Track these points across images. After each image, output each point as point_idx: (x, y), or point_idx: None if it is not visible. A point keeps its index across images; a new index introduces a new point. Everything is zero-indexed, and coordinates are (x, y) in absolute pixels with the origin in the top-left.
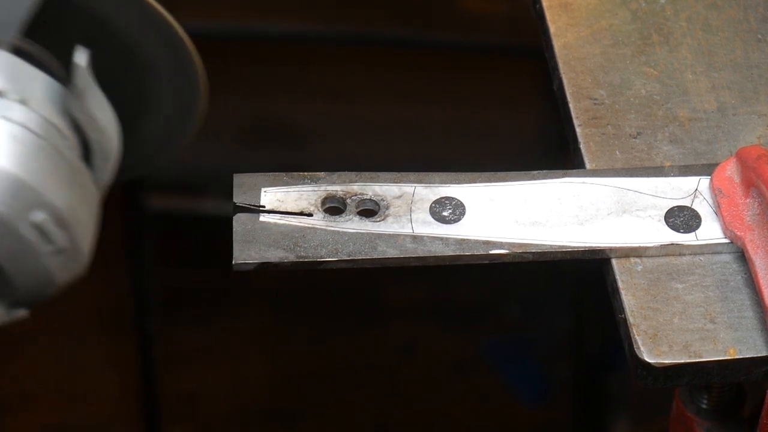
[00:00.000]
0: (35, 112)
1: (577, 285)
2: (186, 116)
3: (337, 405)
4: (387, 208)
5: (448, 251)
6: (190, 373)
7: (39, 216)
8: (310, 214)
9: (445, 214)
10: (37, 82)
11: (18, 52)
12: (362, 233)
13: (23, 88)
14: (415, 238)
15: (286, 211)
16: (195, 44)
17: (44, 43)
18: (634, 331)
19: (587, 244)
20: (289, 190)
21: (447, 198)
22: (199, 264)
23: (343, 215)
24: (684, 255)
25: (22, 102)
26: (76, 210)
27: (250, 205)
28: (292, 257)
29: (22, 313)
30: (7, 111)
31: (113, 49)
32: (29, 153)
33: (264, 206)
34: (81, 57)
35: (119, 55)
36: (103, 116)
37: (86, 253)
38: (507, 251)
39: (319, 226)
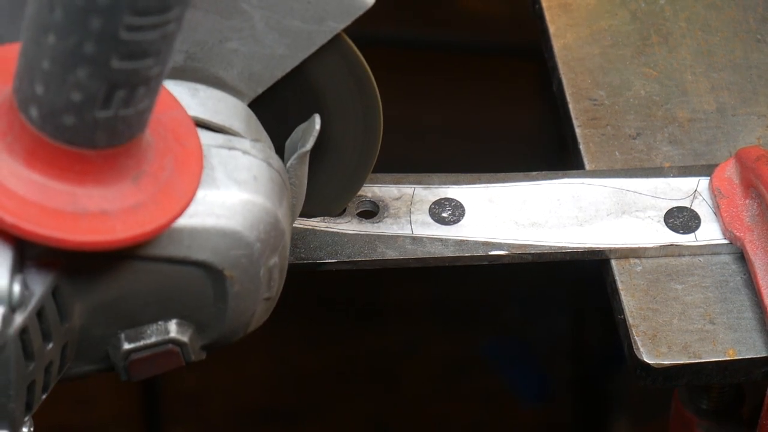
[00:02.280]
0: (280, 163)
1: (577, 285)
2: (363, 163)
3: (337, 405)
4: (386, 209)
5: (448, 252)
6: (190, 373)
7: (274, 260)
8: (310, 216)
9: (444, 215)
10: (266, 137)
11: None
12: (362, 234)
13: (267, 140)
14: (415, 240)
15: None
16: None
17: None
18: (634, 332)
19: (587, 245)
20: None
21: (446, 199)
22: None
23: (343, 216)
24: (683, 256)
25: (272, 150)
26: (287, 263)
27: None
28: (291, 258)
29: (202, 355)
30: (269, 157)
31: (309, 102)
32: (283, 198)
33: None
34: (317, 123)
35: (310, 103)
36: (305, 182)
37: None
38: (506, 252)
39: (318, 228)
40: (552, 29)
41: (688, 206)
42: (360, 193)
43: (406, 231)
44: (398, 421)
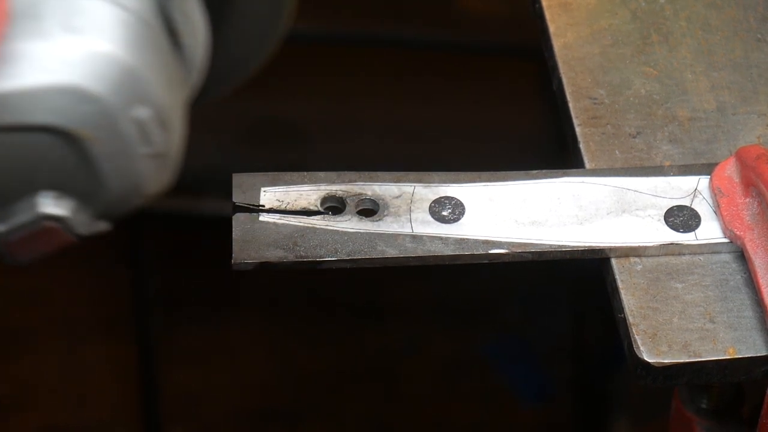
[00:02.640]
0: (144, 2)
1: (577, 284)
2: (271, 23)
3: (337, 405)
4: (386, 207)
5: (448, 251)
6: (190, 373)
7: (142, 112)
8: (309, 214)
9: (444, 213)
10: None
11: None
12: (362, 233)
13: None
14: (415, 238)
15: (285, 211)
16: None
17: None
18: (634, 331)
19: (587, 244)
20: (289, 189)
21: (446, 198)
22: (199, 264)
23: (343, 215)
24: (683, 254)
25: None
26: (174, 113)
27: (250, 204)
28: (291, 257)
29: (103, 225)
30: None
31: None
32: (140, 43)
33: (263, 206)
34: None
35: None
36: (199, 19)
37: (176, 163)
38: (506, 251)
39: (318, 226)
40: (552, 29)
41: (689, 205)
42: (360, 191)
43: (406, 229)
44: (398, 421)
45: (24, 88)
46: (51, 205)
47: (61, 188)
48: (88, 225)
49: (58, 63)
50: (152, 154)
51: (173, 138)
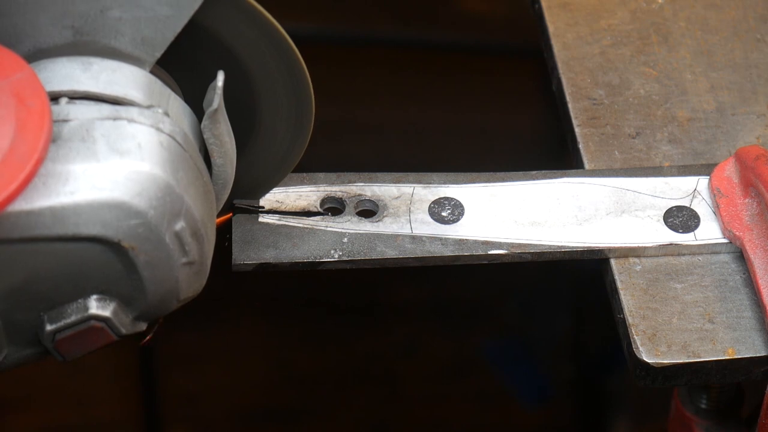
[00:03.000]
0: (178, 126)
1: (577, 285)
2: (296, 141)
3: (337, 405)
4: (386, 208)
5: (447, 251)
6: (190, 373)
7: (180, 225)
8: (309, 215)
9: (444, 214)
10: (173, 100)
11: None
12: (361, 233)
13: (166, 105)
14: (414, 239)
15: (285, 212)
16: None
17: (168, 65)
18: (633, 331)
19: (586, 244)
20: (288, 190)
21: (446, 198)
22: None
23: (342, 216)
24: (683, 255)
25: (167, 115)
26: (207, 225)
27: (250, 205)
28: (291, 257)
29: (141, 326)
30: (158, 122)
31: (232, 72)
32: (177, 163)
33: (263, 207)
34: (220, 79)
35: (237, 78)
36: (228, 141)
37: (207, 271)
38: (506, 251)
39: (318, 227)
40: (552, 29)
41: (688, 205)
42: (359, 192)
43: (405, 230)
44: (398, 422)
45: (78, 203)
46: (99, 307)
47: (107, 292)
48: (129, 325)
49: (107, 181)
50: (188, 262)
51: (206, 248)
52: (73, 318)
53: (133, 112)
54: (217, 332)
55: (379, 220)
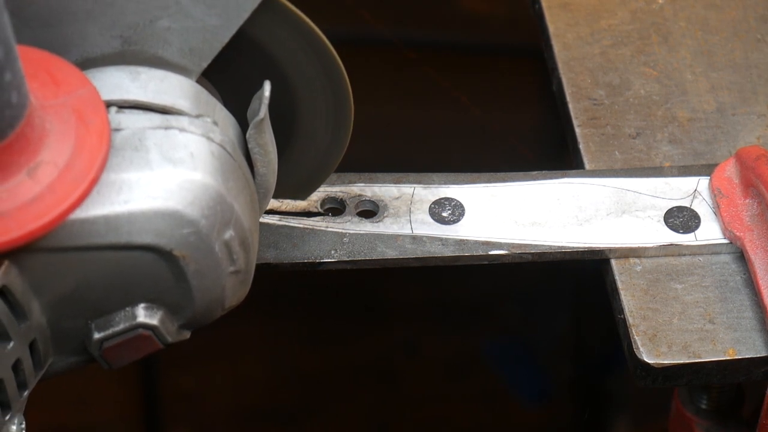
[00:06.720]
0: (227, 136)
1: (577, 285)
2: (334, 148)
3: (337, 405)
4: (386, 208)
5: (448, 252)
6: (190, 373)
7: (229, 234)
8: (309, 215)
9: (444, 214)
10: (218, 110)
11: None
12: (361, 234)
13: (213, 114)
14: (415, 239)
15: (285, 212)
16: None
17: (208, 74)
18: (634, 332)
19: (586, 245)
20: None
21: (446, 199)
22: None
23: (343, 216)
24: (683, 255)
25: (216, 124)
26: (253, 234)
27: None
28: (291, 258)
29: (186, 334)
30: (208, 131)
31: (272, 78)
32: (227, 172)
33: None
34: (267, 89)
35: (277, 84)
36: (272, 151)
37: (251, 279)
38: (506, 252)
39: (318, 227)
40: (552, 29)
41: (688, 206)
42: (360, 192)
43: (405, 230)
44: (398, 421)
45: (132, 212)
46: (146, 316)
47: (155, 300)
48: (175, 333)
49: (161, 190)
50: (235, 271)
51: (251, 257)
52: (121, 326)
53: (183, 121)
54: (217, 332)
55: (379, 221)
